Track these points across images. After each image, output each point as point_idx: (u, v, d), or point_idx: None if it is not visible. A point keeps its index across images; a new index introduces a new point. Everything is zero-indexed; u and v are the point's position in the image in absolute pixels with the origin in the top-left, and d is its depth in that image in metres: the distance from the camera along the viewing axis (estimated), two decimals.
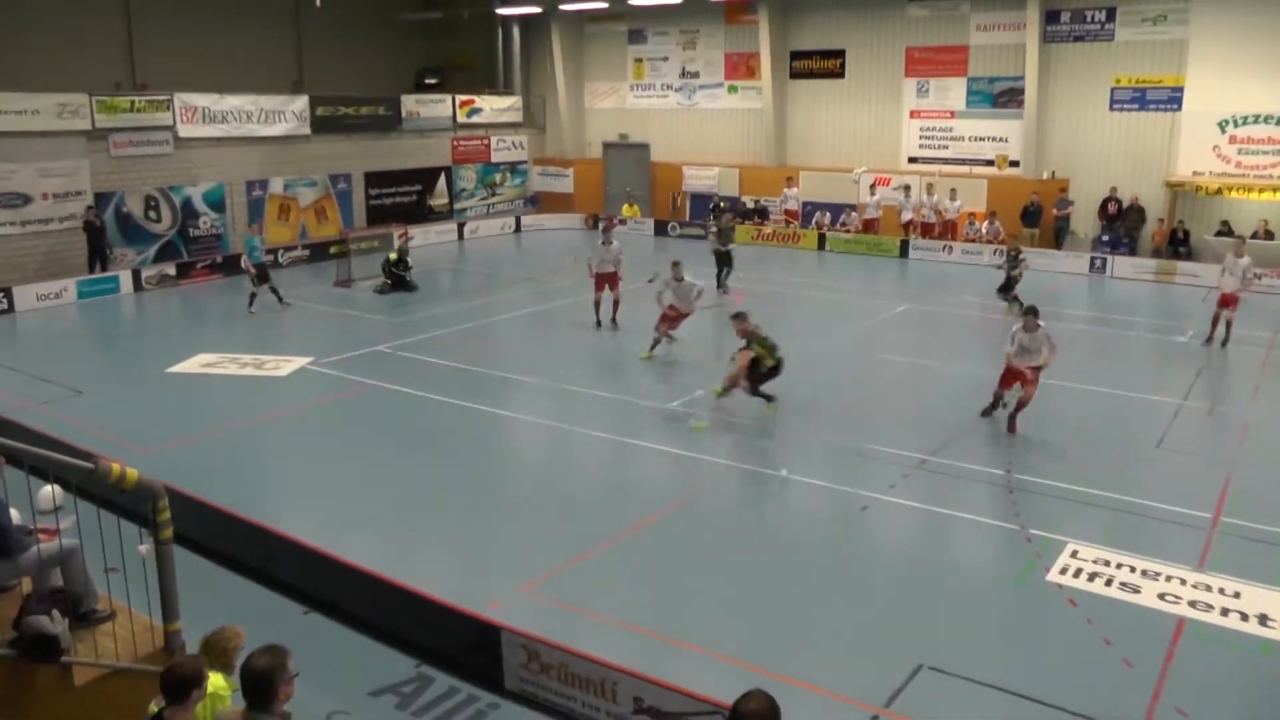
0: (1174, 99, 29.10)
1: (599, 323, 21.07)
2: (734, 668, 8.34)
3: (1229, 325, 19.81)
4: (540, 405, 16.12)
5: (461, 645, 8.54)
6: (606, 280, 20.99)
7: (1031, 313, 14.67)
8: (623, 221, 35.44)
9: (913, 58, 32.58)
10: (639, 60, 38.23)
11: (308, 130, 31.67)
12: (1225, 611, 9.49)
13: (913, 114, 32.96)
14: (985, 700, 8.09)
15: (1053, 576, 10.09)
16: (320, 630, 9.16)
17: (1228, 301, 19.72)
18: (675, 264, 18.55)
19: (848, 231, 32.34)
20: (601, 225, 26.74)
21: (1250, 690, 8.47)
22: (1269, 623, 9.30)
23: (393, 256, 25.71)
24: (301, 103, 31.51)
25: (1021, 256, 23.22)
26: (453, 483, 12.73)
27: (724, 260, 24.93)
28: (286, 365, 18.02)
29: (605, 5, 35.70)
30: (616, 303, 21.05)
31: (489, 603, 9.03)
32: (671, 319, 18.52)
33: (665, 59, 37.63)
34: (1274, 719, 8.12)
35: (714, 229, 26.17)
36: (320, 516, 11.53)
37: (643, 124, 38.32)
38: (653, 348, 18.55)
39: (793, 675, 8.21)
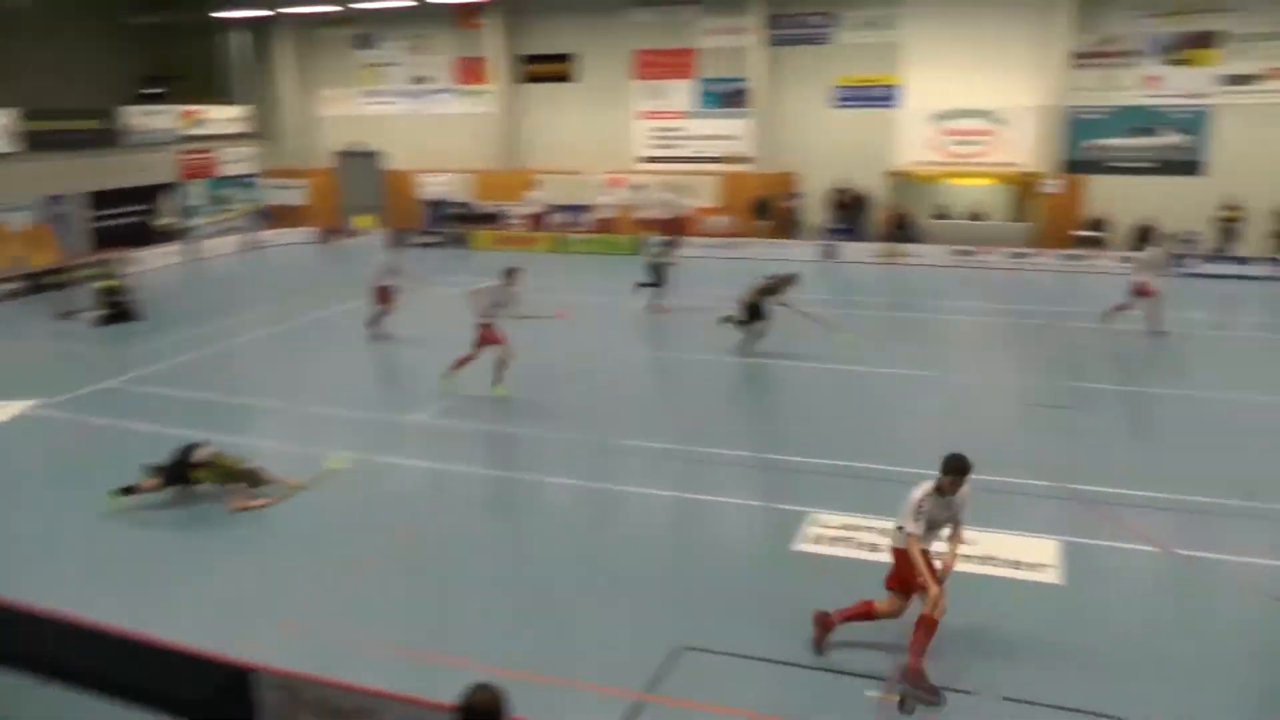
0: (891, 96, 31.20)
1: (379, 335, 20.24)
2: (499, 677, 8.21)
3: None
4: (285, 430, 15.34)
5: (209, 694, 7.84)
6: (386, 293, 20.22)
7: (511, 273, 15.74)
8: (354, 233, 34.66)
9: (641, 61, 33.45)
10: (369, 66, 37.43)
11: (16, 147, 28.77)
12: (965, 559, 10.01)
13: (643, 115, 33.80)
14: (747, 671, 8.35)
15: (799, 546, 10.57)
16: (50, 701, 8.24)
17: (1144, 291, 20.26)
18: (510, 271, 16.34)
19: (584, 232, 32.80)
20: (386, 239, 24.85)
21: (983, 623, 9.09)
22: (994, 562, 10.18)
23: (106, 285, 23.63)
24: (5, 117, 28.50)
25: (665, 247, 23.49)
26: (198, 522, 11.88)
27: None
28: (3, 410, 16.44)
29: (333, 9, 34.68)
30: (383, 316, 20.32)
31: (242, 643, 8.43)
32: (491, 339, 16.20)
33: (395, 64, 37.01)
34: (1018, 653, 8.68)
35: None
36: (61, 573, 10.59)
37: (376, 131, 37.54)
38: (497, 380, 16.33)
39: (558, 674, 8.23)
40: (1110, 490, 12.18)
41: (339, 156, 38.22)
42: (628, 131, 34.11)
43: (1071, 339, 20.37)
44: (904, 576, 8.28)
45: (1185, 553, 10.69)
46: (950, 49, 30.30)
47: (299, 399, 16.47)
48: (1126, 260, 24.66)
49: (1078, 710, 7.80)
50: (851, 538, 10.71)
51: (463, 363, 16.19)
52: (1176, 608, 9.87)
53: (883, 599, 8.48)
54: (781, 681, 8.28)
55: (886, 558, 9.89)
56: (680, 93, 33.31)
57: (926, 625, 7.97)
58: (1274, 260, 27.60)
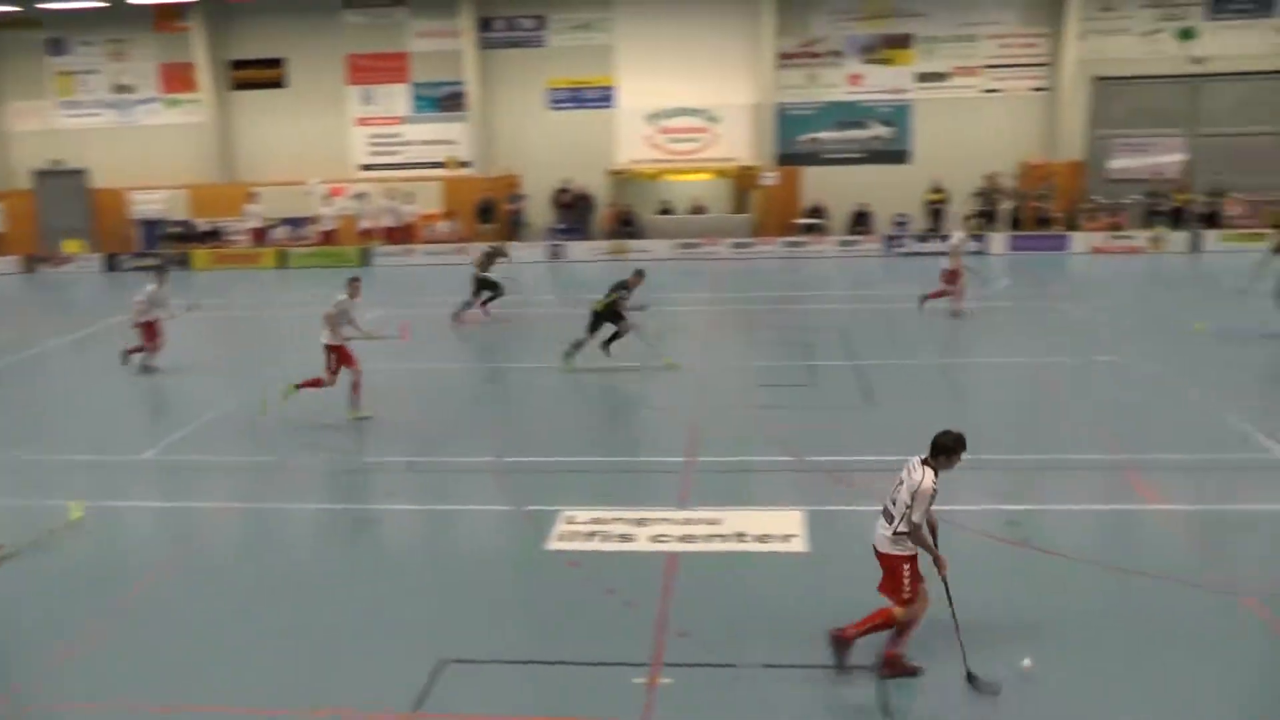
0: (607, 97, 31.53)
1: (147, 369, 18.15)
2: (256, 718, 7.54)
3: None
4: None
5: None
6: (152, 328, 18.06)
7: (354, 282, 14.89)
8: (63, 260, 31.94)
9: (355, 65, 32.35)
10: (64, 74, 34.13)
11: None
12: (709, 538, 10.23)
13: (360, 121, 32.76)
14: (513, 676, 7.95)
15: (551, 545, 10.20)
16: None
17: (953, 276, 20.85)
18: (352, 282, 15.08)
19: (308, 244, 31.47)
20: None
21: (738, 598, 9.11)
22: (744, 538, 10.22)
23: None
24: None
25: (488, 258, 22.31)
26: None
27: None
28: None
29: (14, 9, 31.49)
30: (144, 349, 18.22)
31: None
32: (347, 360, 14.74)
33: (94, 72, 33.97)
34: (775, 622, 8.67)
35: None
36: None
37: (79, 147, 34.18)
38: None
39: (322, 705, 7.56)
40: (846, 458, 12.53)
41: (37, 176, 34.60)
42: (346, 138, 32.92)
43: (799, 320, 21.06)
44: (898, 580, 7.79)
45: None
46: (662, 50, 31.10)
47: (21, 446, 14.57)
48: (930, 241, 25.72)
49: (839, 668, 7.80)
50: (601, 530, 10.48)
51: (314, 385, 14.81)
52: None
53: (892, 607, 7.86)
54: (549, 681, 7.92)
55: (636, 547, 10.00)
56: (396, 97, 32.48)
57: (888, 618, 7.73)
58: (976, 237, 29.51)
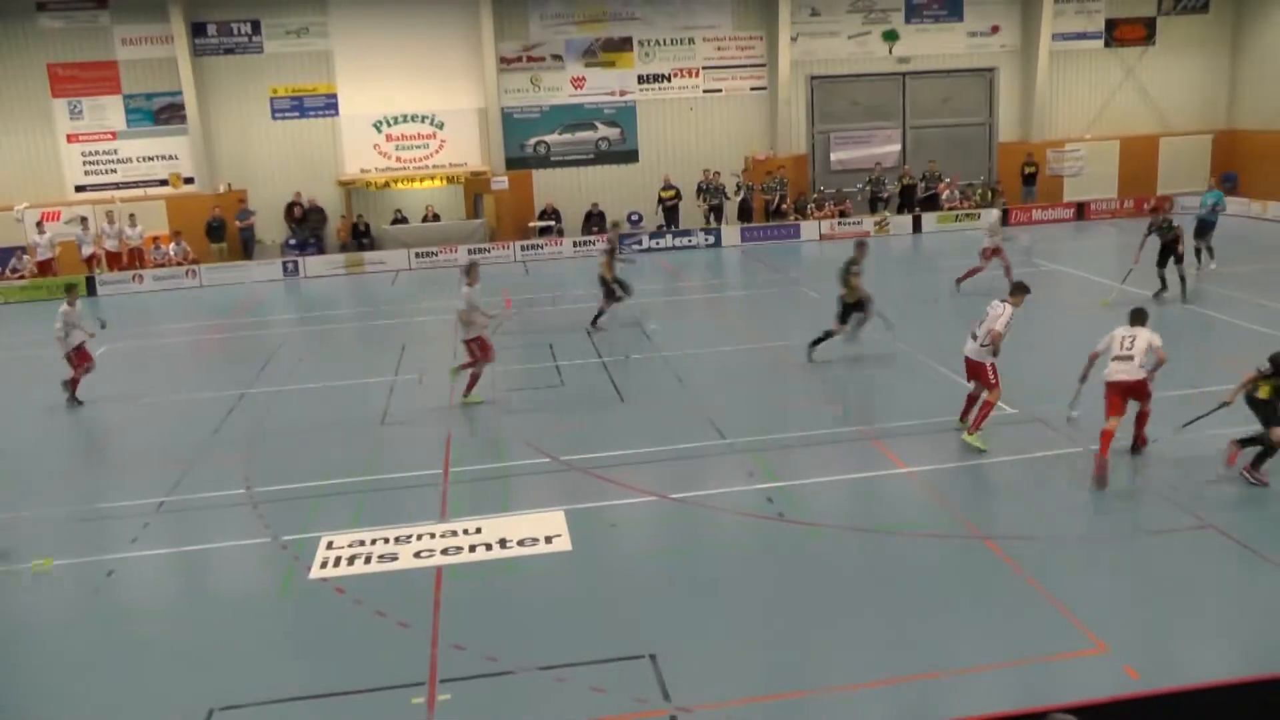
0: (331, 105, 30.74)
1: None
2: None
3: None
4: None
5: None
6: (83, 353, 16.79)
7: None
8: None
9: (57, 75, 29.75)
10: None
11: None
12: (473, 548, 10.34)
13: (71, 138, 30.20)
14: (288, 716, 7.74)
15: (315, 574, 9.98)
16: None
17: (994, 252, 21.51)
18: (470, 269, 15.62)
19: (21, 278, 28.65)
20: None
21: (508, 603, 9.31)
22: (508, 544, 10.40)
23: None
24: None
25: None
26: None
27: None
28: None
29: None
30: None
31: None
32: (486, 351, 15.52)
33: None
34: (546, 623, 8.87)
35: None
36: None
37: None
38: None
39: None
40: (601, 454, 12.91)
41: None
42: (57, 157, 30.07)
43: (544, 323, 21.32)
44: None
45: (679, 495, 11.60)
46: (383, 56, 30.60)
47: None
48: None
49: (609, 660, 8.14)
50: (364, 552, 10.34)
51: (475, 379, 15.41)
52: (678, 542, 10.68)
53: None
54: (326, 714, 7.75)
55: (401, 565, 10.02)
56: (108, 110, 30.12)
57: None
58: (706, 231, 31.13)
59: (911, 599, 9.05)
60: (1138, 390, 11.55)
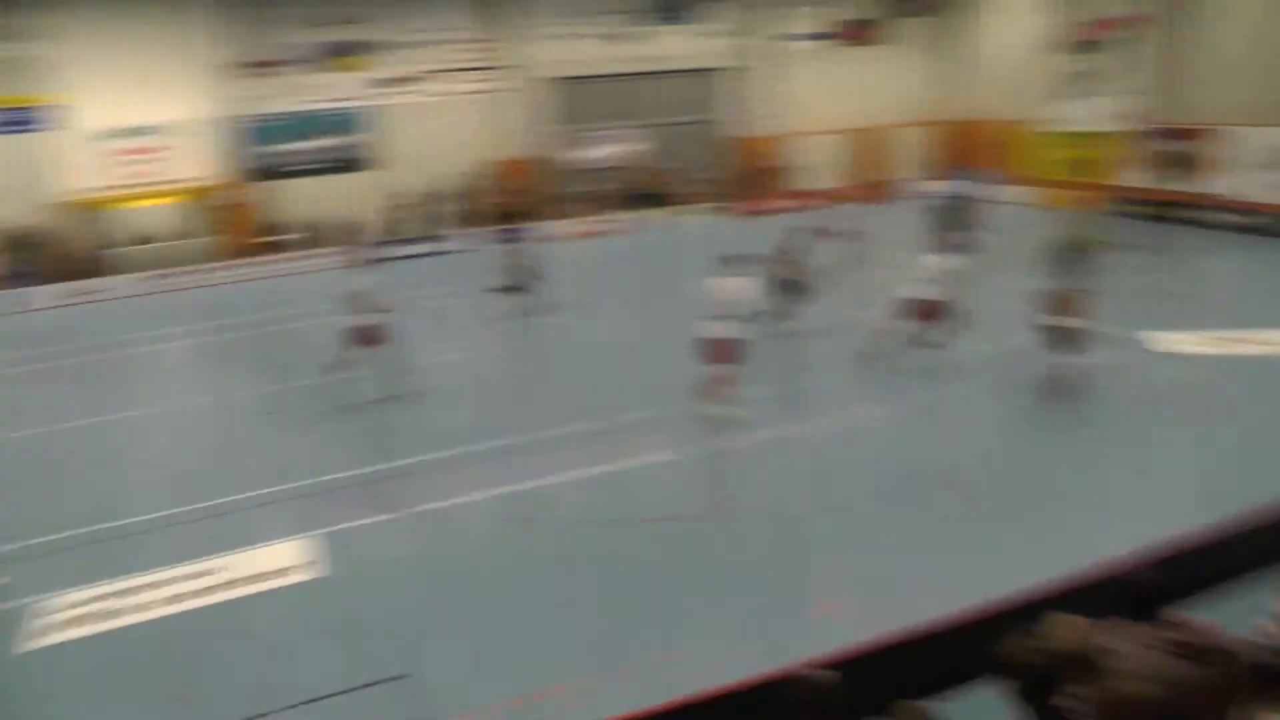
0: (46, 119, 28.64)
1: None
2: None
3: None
4: None
5: None
6: None
7: None
8: None
9: None
10: None
11: None
12: (203, 591, 10.02)
13: None
14: None
15: (27, 645, 9.32)
16: None
17: None
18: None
19: None
20: None
21: (249, 644, 9.04)
22: (241, 582, 10.15)
23: None
24: None
25: None
26: None
27: None
28: None
29: None
30: None
31: None
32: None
33: None
34: (300, 659, 8.77)
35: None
36: None
37: None
38: None
39: None
40: (337, 475, 12.73)
41: None
42: None
43: (280, 342, 20.69)
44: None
45: (425, 507, 11.72)
46: (106, 63, 28.54)
47: None
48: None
49: (365, 686, 8.16)
50: (83, 614, 9.73)
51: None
52: (426, 557, 10.73)
53: None
54: None
55: (127, 621, 9.46)
56: None
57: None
58: (448, 236, 31.12)
59: (660, 583, 9.55)
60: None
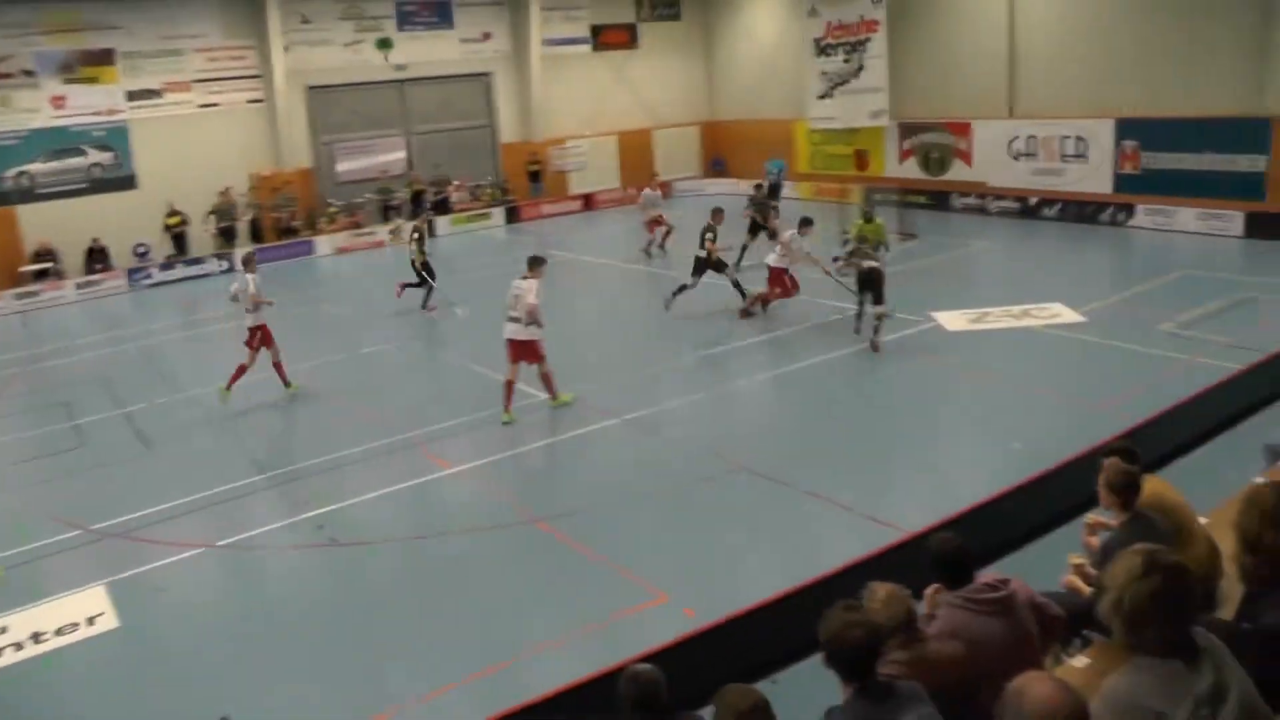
0: None
1: None
2: None
3: None
4: None
5: None
6: None
7: None
8: None
9: None
10: None
11: None
12: (1, 650, 9.35)
13: None
14: None
15: None
16: None
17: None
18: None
19: None
20: None
21: (57, 705, 8.56)
22: (43, 637, 9.47)
23: None
24: None
25: None
26: None
27: None
28: None
29: None
30: None
31: None
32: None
33: None
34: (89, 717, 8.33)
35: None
36: None
37: None
38: None
39: None
40: (138, 514, 12.15)
41: None
42: None
43: (51, 379, 19.52)
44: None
45: (227, 541, 11.31)
46: None
47: None
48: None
49: None
50: None
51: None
52: (234, 591, 10.51)
53: None
54: None
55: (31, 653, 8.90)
56: None
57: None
58: (219, 256, 29.84)
59: (478, 594, 9.57)
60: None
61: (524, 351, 13.71)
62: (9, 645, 9.40)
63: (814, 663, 4.78)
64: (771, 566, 9.46)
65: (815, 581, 7.82)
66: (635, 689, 4.83)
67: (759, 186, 25.42)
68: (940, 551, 5.42)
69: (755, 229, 22.49)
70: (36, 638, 9.49)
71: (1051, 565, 6.74)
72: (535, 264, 13.81)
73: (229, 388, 15.73)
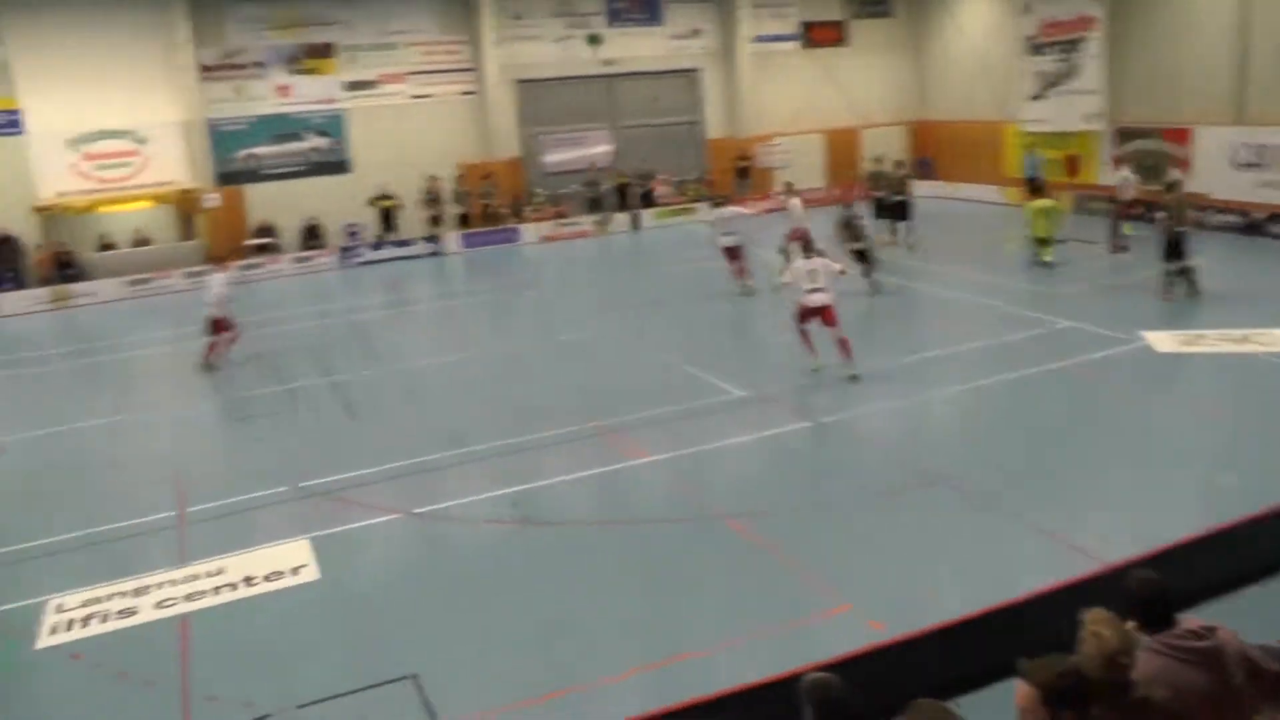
0: (14, 122, 28.26)
1: None
2: None
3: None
4: None
5: None
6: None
7: None
8: None
9: None
10: None
11: None
12: (217, 590, 10.07)
13: None
14: None
15: (44, 642, 9.36)
16: None
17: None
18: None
19: None
20: None
21: (260, 643, 9.14)
22: (253, 581, 10.19)
23: None
24: None
25: None
26: None
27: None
28: None
29: None
30: None
31: None
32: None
33: None
34: (303, 657, 8.80)
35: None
36: None
37: None
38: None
39: None
40: (340, 476, 12.82)
41: None
42: None
43: (267, 346, 20.65)
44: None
45: (423, 509, 11.75)
46: (71, 67, 28.10)
47: None
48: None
49: (371, 687, 8.14)
50: (99, 611, 9.82)
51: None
52: (427, 558, 10.91)
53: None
54: None
55: (142, 619, 9.55)
56: None
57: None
58: (427, 239, 31.15)
59: (662, 585, 9.57)
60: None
61: (829, 315, 14.92)
62: (225, 585, 10.18)
63: (999, 690, 4.56)
64: (960, 585, 9.08)
65: (1007, 606, 7.50)
66: (821, 695, 4.56)
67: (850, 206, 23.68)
68: (1141, 591, 4.95)
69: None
70: (248, 580, 10.24)
71: (1268, 616, 6.23)
72: (809, 246, 16.35)
73: None
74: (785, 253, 20.79)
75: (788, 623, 8.65)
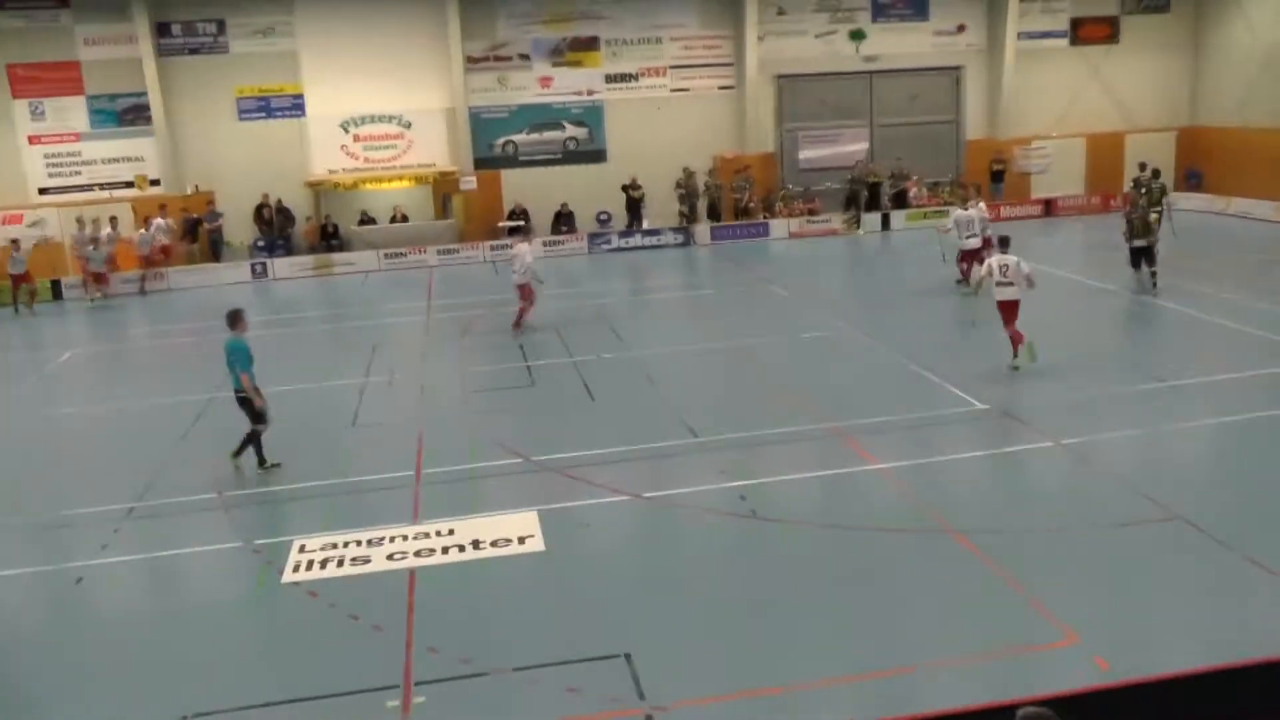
0: (297, 105, 30.54)
1: None
2: None
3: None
4: None
5: None
6: None
7: None
8: None
9: (18, 76, 29.29)
10: None
11: None
12: (445, 549, 10.35)
13: (32, 140, 29.71)
14: None
15: (287, 577, 9.95)
16: None
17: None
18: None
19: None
20: None
21: (481, 604, 9.31)
22: (481, 545, 10.40)
23: None
24: None
25: None
26: None
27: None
28: None
29: None
30: None
31: None
32: None
33: None
34: (521, 624, 8.89)
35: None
36: None
37: None
38: None
39: None
40: (573, 454, 12.94)
41: None
42: (18, 159, 29.53)
43: (510, 322, 20.91)
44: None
45: (652, 494, 11.65)
46: (350, 55, 30.42)
47: None
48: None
49: (583, 660, 8.16)
50: (337, 555, 10.31)
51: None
52: (651, 541, 10.80)
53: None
54: (299, 719, 7.73)
55: (374, 568, 9.98)
56: (71, 111, 29.64)
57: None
58: (675, 230, 31.38)
59: (883, 594, 9.15)
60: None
61: (1014, 311, 15.33)
62: (454, 545, 10.46)
63: None
64: (1195, 632, 8.20)
65: (1247, 665, 6.63)
66: None
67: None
68: None
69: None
70: (476, 544, 10.45)
71: None
72: (1005, 242, 16.00)
73: None
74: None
75: (1010, 648, 8.10)
